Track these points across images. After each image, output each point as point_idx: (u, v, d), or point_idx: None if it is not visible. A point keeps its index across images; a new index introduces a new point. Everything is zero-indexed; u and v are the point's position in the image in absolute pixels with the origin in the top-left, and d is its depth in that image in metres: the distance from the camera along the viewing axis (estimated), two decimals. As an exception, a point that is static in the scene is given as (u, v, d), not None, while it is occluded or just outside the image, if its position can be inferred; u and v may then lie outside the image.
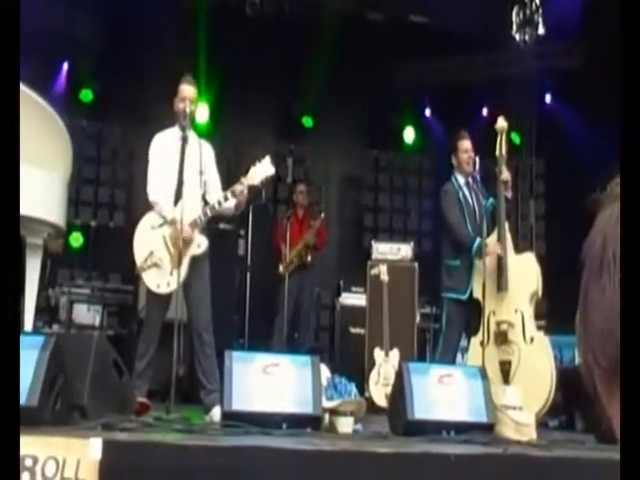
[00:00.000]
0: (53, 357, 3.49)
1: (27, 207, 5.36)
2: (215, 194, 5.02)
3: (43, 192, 5.56)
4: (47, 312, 7.45)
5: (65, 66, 9.65)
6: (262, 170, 5.01)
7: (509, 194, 5.74)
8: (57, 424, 3.41)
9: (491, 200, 5.80)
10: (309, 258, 8.06)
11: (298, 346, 7.87)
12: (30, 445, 2.91)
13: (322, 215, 8.33)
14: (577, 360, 7.55)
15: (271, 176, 5.12)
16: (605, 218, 0.69)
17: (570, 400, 5.46)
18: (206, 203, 4.98)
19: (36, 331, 4.73)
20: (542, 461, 3.61)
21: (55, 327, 7.49)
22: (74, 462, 2.92)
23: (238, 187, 4.90)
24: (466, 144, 5.83)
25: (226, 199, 4.93)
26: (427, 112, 10.94)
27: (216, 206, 4.93)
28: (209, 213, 4.94)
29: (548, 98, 10.43)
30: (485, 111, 10.16)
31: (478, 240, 5.55)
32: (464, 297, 5.60)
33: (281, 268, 7.83)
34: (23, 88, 5.52)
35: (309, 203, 8.51)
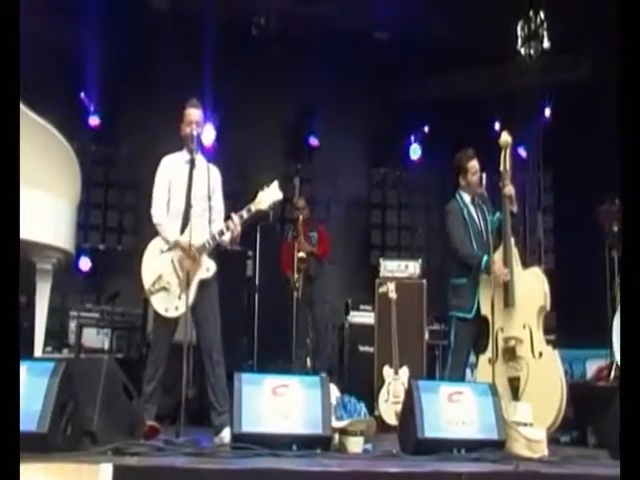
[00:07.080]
0: (63, 383, 3.51)
1: (37, 233, 5.41)
2: (217, 223, 5.05)
3: (52, 218, 5.60)
4: (57, 336, 7.49)
5: (73, 91, 9.73)
6: (270, 195, 5.03)
7: (515, 208, 5.73)
8: (68, 450, 3.41)
9: (498, 215, 5.79)
10: (313, 270, 7.96)
11: (318, 365, 7.75)
12: (41, 471, 2.92)
13: (321, 226, 8.10)
14: (588, 374, 7.51)
15: (279, 201, 5.13)
16: None
17: (582, 415, 5.42)
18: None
19: (46, 357, 4.74)
20: (554, 478, 3.59)
21: (64, 351, 7.51)
22: (85, 488, 2.93)
23: (231, 223, 4.95)
24: (475, 165, 5.79)
25: (222, 233, 4.98)
26: (433, 128, 10.95)
27: (210, 242, 4.96)
28: (212, 242, 4.98)
29: (554, 112, 10.43)
30: (491, 126, 10.17)
31: (485, 258, 5.55)
32: (470, 316, 5.58)
33: (295, 293, 7.57)
34: (30, 114, 5.58)
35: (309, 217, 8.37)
